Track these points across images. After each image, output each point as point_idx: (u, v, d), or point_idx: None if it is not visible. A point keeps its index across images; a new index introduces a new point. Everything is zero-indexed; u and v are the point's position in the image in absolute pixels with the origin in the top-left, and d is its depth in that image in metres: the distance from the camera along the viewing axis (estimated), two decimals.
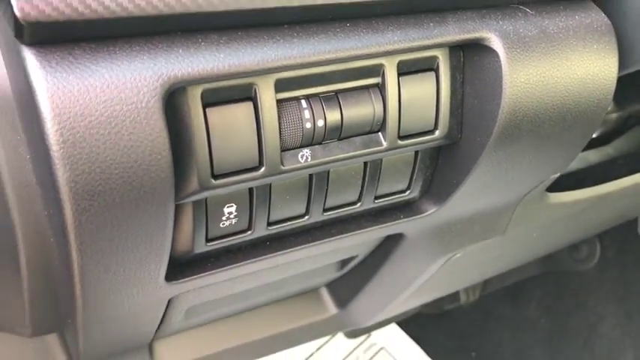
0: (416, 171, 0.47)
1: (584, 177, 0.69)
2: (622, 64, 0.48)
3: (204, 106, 0.34)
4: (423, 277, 0.62)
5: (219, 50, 0.33)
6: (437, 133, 0.43)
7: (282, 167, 0.38)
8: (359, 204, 0.46)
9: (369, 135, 0.41)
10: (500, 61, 0.41)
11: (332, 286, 0.68)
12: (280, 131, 0.37)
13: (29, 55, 0.29)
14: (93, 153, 0.30)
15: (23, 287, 0.40)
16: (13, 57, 0.31)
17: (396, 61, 0.40)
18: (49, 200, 0.33)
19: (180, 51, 0.32)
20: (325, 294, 0.68)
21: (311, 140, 0.39)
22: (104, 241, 0.33)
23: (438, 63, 0.42)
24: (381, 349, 1.36)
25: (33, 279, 0.39)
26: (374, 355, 1.35)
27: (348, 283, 0.65)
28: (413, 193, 0.49)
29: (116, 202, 0.32)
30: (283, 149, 0.38)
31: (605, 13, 0.47)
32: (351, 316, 0.69)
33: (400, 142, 0.42)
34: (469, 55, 0.43)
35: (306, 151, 0.39)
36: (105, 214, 0.32)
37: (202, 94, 0.34)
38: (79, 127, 0.29)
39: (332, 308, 0.68)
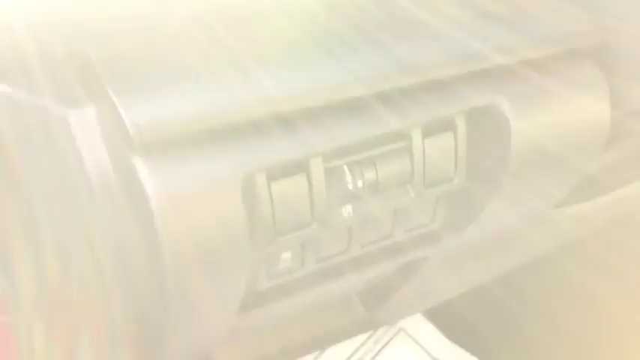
0: (437, 208, 0.55)
1: (585, 186, 0.76)
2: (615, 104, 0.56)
3: (268, 180, 0.43)
4: (444, 288, 0.71)
5: (281, 141, 0.41)
6: (455, 180, 0.51)
7: (330, 222, 0.46)
8: (390, 238, 0.54)
9: (399, 187, 0.49)
10: (509, 121, 0.49)
11: (361, 293, 0.76)
12: (328, 193, 0.45)
13: (137, 160, 0.37)
14: (192, 235, 0.38)
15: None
16: (115, 147, 0.39)
17: (420, 129, 0.48)
18: (149, 265, 0.42)
19: (253, 146, 0.40)
20: (355, 300, 0.77)
21: (352, 198, 0.47)
22: (196, 294, 0.42)
23: (455, 124, 0.50)
24: (400, 330, 1.45)
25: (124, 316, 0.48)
26: (393, 337, 1.45)
27: (376, 292, 0.74)
28: (435, 225, 0.57)
29: (208, 265, 0.40)
30: (330, 207, 0.46)
31: (600, 62, 0.55)
32: (379, 318, 0.77)
33: (425, 191, 0.50)
34: (482, 115, 0.50)
35: (349, 207, 0.47)
36: (199, 275, 0.40)
37: (267, 173, 0.42)
38: (181, 217, 0.38)
39: (362, 312, 0.77)
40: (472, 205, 0.55)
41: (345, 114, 0.44)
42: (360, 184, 0.47)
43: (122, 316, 0.45)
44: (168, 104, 0.38)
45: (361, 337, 1.41)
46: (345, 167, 0.46)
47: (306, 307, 0.61)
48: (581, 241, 1.16)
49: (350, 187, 0.46)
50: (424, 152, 0.48)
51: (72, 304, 0.48)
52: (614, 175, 0.78)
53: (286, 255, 0.48)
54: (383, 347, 1.43)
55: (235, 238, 0.40)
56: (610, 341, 1.31)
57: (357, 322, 0.77)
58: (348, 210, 0.47)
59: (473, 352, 1.45)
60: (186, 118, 0.38)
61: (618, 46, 0.55)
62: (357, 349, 1.40)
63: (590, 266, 1.34)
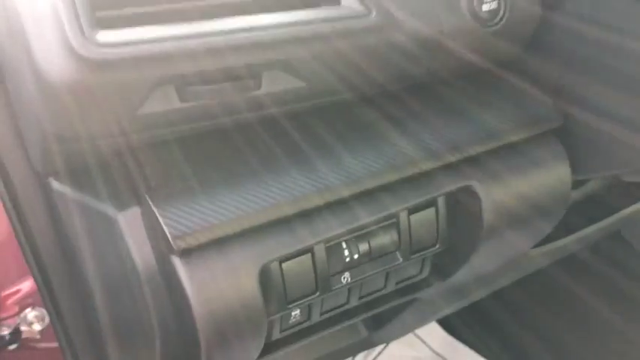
0: (424, 265, 0.64)
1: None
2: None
3: (280, 262, 0.52)
4: (439, 312, 0.81)
5: (291, 236, 0.51)
6: (437, 245, 0.61)
7: (331, 289, 0.56)
8: (384, 290, 0.64)
9: (389, 254, 0.59)
10: (480, 199, 0.59)
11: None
12: (329, 267, 0.55)
13: (176, 260, 0.47)
14: (221, 316, 0.48)
15: None
16: (157, 245, 0.49)
17: (407, 210, 0.57)
18: (184, 334, 0.52)
19: (267, 240, 0.50)
20: (358, 323, 0.87)
21: (349, 267, 0.57)
22: (225, 354, 0.52)
23: (437, 203, 0.59)
24: None
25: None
26: None
27: (377, 316, 0.84)
28: (423, 276, 0.66)
29: (233, 334, 0.50)
30: (331, 275, 0.56)
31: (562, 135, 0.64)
32: (380, 338, 0.88)
33: (411, 257, 0.60)
34: (458, 193, 0.60)
35: (347, 274, 0.57)
36: (226, 343, 0.50)
37: (279, 259, 0.52)
38: (213, 304, 0.47)
39: (364, 333, 0.87)
40: (454, 260, 0.65)
41: (345, 208, 0.54)
42: (355, 256, 0.56)
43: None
44: (199, 214, 0.48)
45: None
46: (344, 244, 0.56)
47: (313, 344, 0.72)
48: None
49: (347, 259, 0.56)
50: (410, 226, 0.58)
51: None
52: (584, 214, 0.87)
53: (295, 312, 0.58)
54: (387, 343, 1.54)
55: (253, 314, 0.50)
56: (601, 336, 1.41)
57: (359, 342, 0.87)
58: (346, 277, 0.57)
59: (472, 347, 1.56)
60: (215, 226, 0.47)
61: (579, 122, 0.64)
62: None
63: (584, 268, 1.43)
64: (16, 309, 0.79)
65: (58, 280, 0.59)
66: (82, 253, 0.53)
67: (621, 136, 0.62)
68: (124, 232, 0.49)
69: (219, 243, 0.48)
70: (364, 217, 0.54)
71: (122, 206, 0.50)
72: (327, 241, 0.54)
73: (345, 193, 0.53)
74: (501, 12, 0.57)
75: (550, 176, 0.62)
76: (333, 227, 0.53)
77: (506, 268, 0.78)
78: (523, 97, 0.62)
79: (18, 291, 0.79)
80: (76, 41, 0.41)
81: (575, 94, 0.63)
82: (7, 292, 0.79)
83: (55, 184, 0.51)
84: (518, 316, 1.53)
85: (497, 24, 0.57)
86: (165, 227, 0.46)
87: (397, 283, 0.65)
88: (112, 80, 0.43)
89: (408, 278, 0.65)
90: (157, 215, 0.47)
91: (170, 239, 0.46)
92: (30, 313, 0.77)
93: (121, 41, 0.42)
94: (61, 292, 0.60)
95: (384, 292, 0.64)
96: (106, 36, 0.42)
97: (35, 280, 0.60)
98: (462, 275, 0.67)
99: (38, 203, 0.54)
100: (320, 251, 0.54)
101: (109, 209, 0.50)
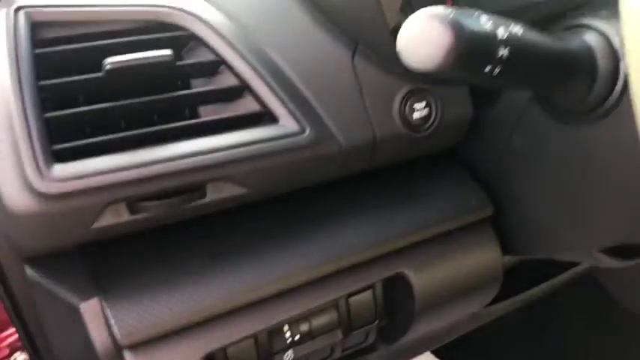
0: (369, 334, 0.71)
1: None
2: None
3: (224, 348, 0.59)
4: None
5: (234, 324, 0.57)
6: (376, 322, 0.67)
7: None
8: (330, 358, 0.70)
9: (330, 332, 0.65)
10: (412, 285, 0.65)
11: None
12: (271, 348, 0.61)
13: (126, 354, 0.54)
14: None
15: None
16: (111, 335, 0.55)
17: (346, 295, 0.63)
18: None
19: (211, 331, 0.56)
20: None
21: (292, 346, 0.63)
22: None
23: (374, 286, 0.65)
24: None
25: None
26: None
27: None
28: (369, 343, 0.73)
29: None
30: (274, 353, 0.62)
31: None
32: None
33: (352, 333, 0.66)
34: (394, 278, 0.66)
35: (290, 352, 0.63)
36: None
37: (223, 347, 0.58)
38: None
39: None
40: (397, 328, 0.71)
41: (287, 297, 0.60)
42: (297, 337, 0.63)
43: None
44: (147, 310, 0.54)
45: None
46: (286, 326, 0.62)
47: None
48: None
49: (289, 340, 0.62)
50: (349, 307, 0.64)
51: None
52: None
53: None
54: None
55: None
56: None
57: None
58: (289, 355, 0.63)
59: None
60: (160, 323, 0.54)
61: (510, 208, 0.70)
62: None
63: (569, 293, 1.48)
64: (7, 351, 0.87)
65: (40, 336, 0.66)
66: (51, 330, 0.60)
67: (550, 224, 0.67)
68: (85, 321, 0.56)
69: (165, 337, 0.55)
70: (305, 305, 0.61)
71: (84, 297, 0.56)
72: (272, 326, 0.60)
73: (287, 284, 0.59)
74: (432, 118, 0.62)
75: (480, 260, 0.68)
76: (276, 316, 0.59)
77: (459, 325, 0.84)
78: (455, 187, 0.68)
79: (10, 335, 0.87)
80: (33, 177, 0.48)
81: (506, 184, 0.68)
82: (1, 335, 0.87)
83: (29, 271, 0.58)
84: (504, 339, 1.59)
85: (428, 129, 0.63)
86: (114, 327, 0.53)
87: (343, 351, 0.71)
88: (68, 208, 0.49)
89: (354, 346, 0.72)
90: (109, 314, 0.54)
91: (118, 337, 0.53)
92: (20, 356, 0.85)
93: (75, 174, 0.49)
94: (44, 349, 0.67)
95: (331, 358, 0.71)
96: (60, 170, 0.49)
97: (19, 334, 0.67)
98: (408, 338, 0.73)
99: (19, 280, 0.61)
100: (262, 336, 0.60)
101: (73, 299, 0.56)
